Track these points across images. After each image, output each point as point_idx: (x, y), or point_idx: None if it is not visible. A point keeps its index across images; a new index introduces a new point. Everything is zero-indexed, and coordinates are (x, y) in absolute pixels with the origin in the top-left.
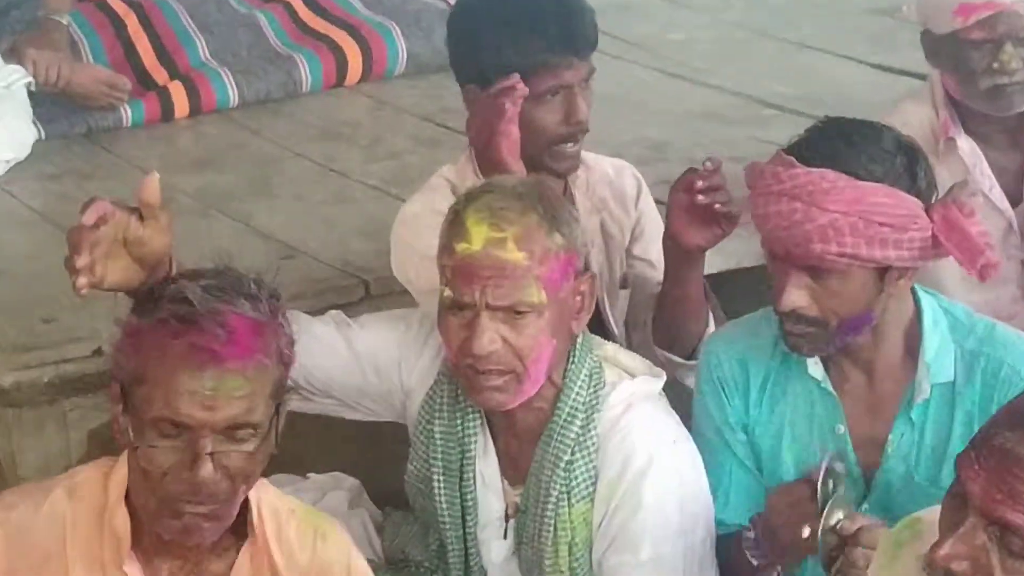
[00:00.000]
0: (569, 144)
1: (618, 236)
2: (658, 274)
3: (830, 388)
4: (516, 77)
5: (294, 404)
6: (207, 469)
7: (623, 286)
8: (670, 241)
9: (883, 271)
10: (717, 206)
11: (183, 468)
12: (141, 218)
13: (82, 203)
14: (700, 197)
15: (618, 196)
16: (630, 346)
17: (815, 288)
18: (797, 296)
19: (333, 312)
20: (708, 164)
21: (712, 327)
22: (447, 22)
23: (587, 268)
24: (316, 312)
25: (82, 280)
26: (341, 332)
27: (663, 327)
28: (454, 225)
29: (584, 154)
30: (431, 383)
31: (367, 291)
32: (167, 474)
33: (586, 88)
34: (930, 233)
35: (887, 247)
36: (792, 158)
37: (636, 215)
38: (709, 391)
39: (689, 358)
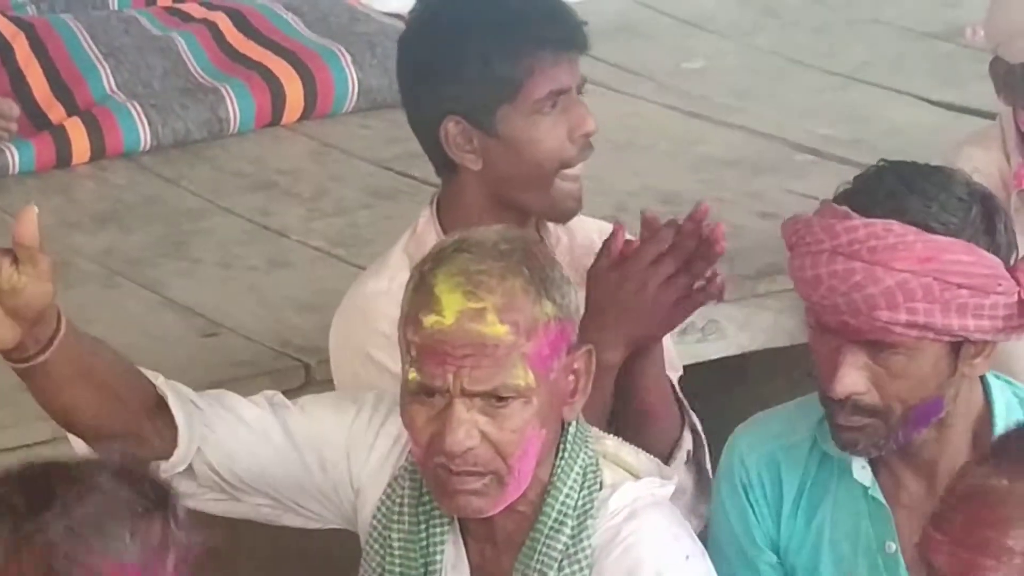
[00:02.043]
0: (576, 168)
1: None
2: None
3: (880, 497)
4: None
5: (217, 507)
6: None
7: None
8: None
9: (957, 347)
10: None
11: None
12: (16, 262)
13: None
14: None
15: None
16: None
17: (875, 369)
18: (854, 379)
19: (268, 392)
20: (651, 217)
21: (686, 433)
22: (400, 43)
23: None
24: None
25: None
26: (277, 416)
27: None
28: (420, 292)
29: None
30: (388, 479)
31: (308, 376)
32: None
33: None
34: (1016, 299)
35: (966, 315)
36: (846, 209)
37: None
38: (731, 500)
39: (666, 462)
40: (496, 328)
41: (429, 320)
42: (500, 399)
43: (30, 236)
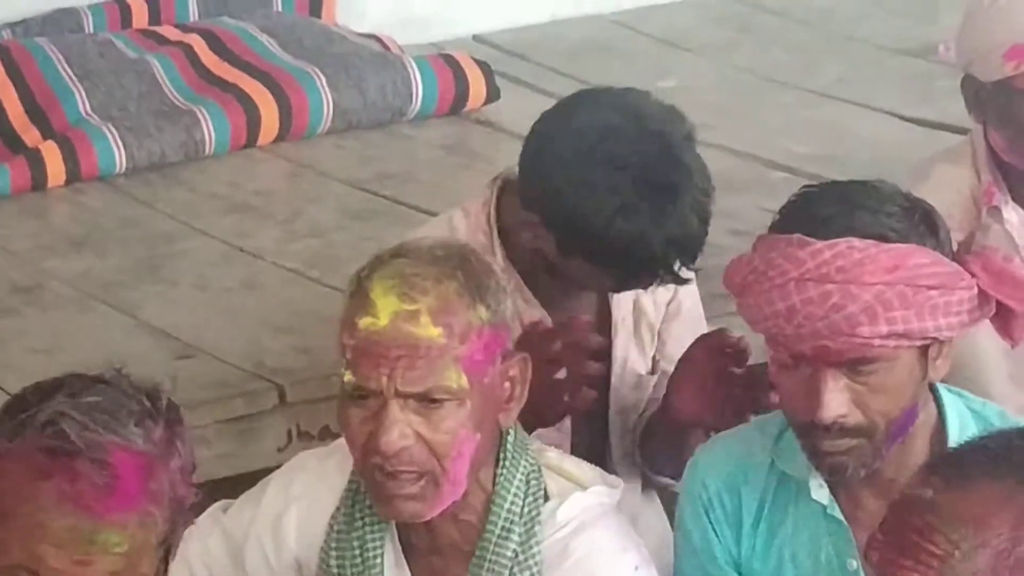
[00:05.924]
0: None
1: (651, 312)
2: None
3: (839, 515)
4: None
5: None
6: None
7: (652, 371)
8: (668, 416)
9: (925, 351)
10: None
11: None
12: None
13: None
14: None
15: None
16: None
17: (856, 388)
18: (840, 402)
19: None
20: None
21: None
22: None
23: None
24: (220, 422)
25: None
26: (227, 545)
27: (654, 454)
28: (357, 296)
29: None
30: (322, 526)
31: (281, 398)
32: None
33: None
34: (975, 290)
35: (937, 315)
36: (799, 236)
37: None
38: (693, 521)
39: None
40: (429, 330)
41: (364, 322)
42: (433, 401)
43: None
